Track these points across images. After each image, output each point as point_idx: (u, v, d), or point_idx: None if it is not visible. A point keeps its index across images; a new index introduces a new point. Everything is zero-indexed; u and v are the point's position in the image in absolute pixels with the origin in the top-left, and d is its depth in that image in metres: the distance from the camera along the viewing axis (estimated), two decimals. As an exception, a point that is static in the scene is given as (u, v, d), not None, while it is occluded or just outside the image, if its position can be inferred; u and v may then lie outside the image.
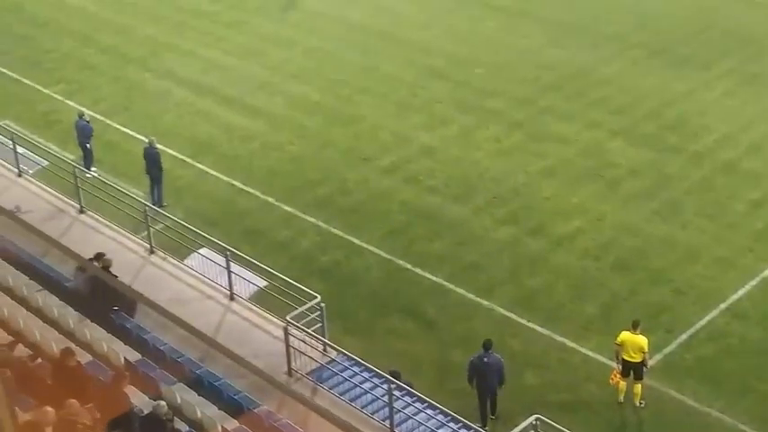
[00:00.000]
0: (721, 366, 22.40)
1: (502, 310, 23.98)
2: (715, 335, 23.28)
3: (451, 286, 24.91)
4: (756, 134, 30.60)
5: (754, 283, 24.71)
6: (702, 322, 23.56)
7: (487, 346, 20.66)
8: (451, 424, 17.68)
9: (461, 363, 21.42)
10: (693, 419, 21.10)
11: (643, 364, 21.10)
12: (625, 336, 21.09)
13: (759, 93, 32.99)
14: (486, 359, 20.61)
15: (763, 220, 26.85)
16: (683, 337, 23.13)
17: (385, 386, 17.79)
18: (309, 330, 18.72)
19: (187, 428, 16.91)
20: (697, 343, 23.05)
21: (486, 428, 20.44)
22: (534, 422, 16.84)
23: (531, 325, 23.64)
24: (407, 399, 17.98)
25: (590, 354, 22.65)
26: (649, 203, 27.72)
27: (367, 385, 18.42)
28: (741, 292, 24.43)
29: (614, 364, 21.33)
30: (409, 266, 25.66)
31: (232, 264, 20.39)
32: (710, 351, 22.83)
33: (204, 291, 20.79)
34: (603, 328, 23.02)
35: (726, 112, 31.97)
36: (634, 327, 21.10)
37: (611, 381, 21.35)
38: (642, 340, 20.97)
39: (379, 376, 18.27)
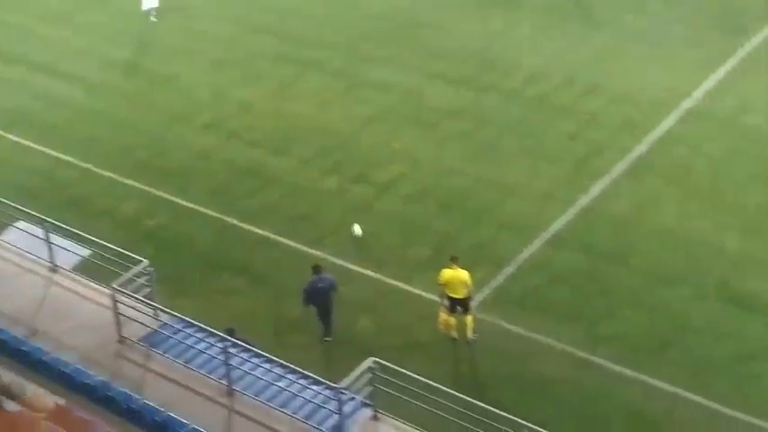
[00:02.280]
0: (548, 295, 23.18)
1: (333, 259, 24.13)
2: (540, 265, 24.04)
3: (281, 239, 24.93)
4: (567, 68, 31.50)
5: (572, 212, 25.60)
6: (526, 254, 24.30)
7: (317, 269, 21.35)
8: (290, 375, 17.70)
9: (296, 315, 21.50)
10: (526, 348, 21.73)
11: (469, 298, 21.61)
12: (447, 273, 21.45)
13: (566, 27, 33.88)
14: (320, 284, 21.24)
15: (578, 152, 27.78)
16: (510, 269, 23.80)
17: (220, 345, 17.68)
18: (138, 296, 18.38)
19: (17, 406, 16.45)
20: (523, 274, 23.75)
21: (330, 338, 21.80)
22: (372, 365, 17.02)
23: (363, 271, 23.90)
24: (244, 355, 17.91)
25: (423, 294, 23.03)
26: (468, 144, 28.29)
27: (202, 345, 18.26)
28: (561, 223, 25.29)
29: (446, 303, 21.77)
30: (236, 222, 25.56)
31: (52, 235, 19.78)
32: (537, 281, 23.56)
33: (24, 265, 20.12)
34: (433, 268, 23.41)
35: (536, 47, 32.78)
36: (453, 262, 21.50)
37: (440, 325, 21.78)
38: (464, 275, 21.36)
39: (213, 335, 18.13)
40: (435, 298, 22.42)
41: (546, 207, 25.80)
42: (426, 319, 22.28)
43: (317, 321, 21.79)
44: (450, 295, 21.48)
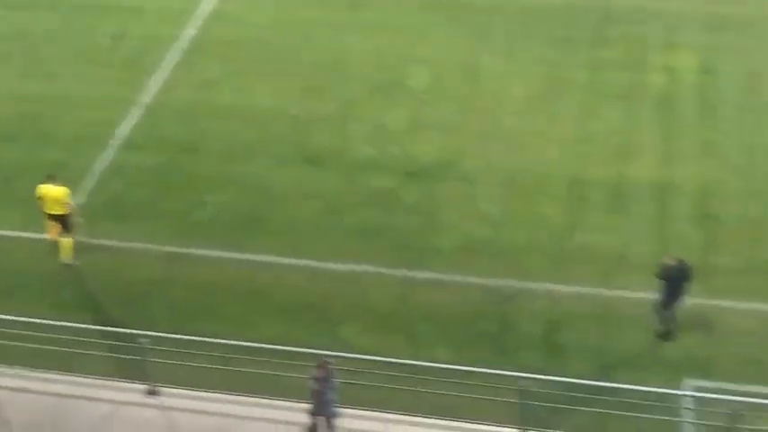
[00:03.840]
0: (131, 199, 22.86)
1: None
2: (117, 171, 23.60)
3: None
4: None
5: (136, 112, 25.26)
6: (102, 164, 23.76)
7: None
8: None
9: None
10: (123, 258, 21.39)
11: (68, 216, 20.91)
12: (43, 189, 20.75)
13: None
14: None
15: (127, 51, 27.30)
16: (88, 183, 23.20)
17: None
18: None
19: None
20: (102, 185, 23.23)
21: None
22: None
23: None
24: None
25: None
26: (17, 65, 26.92)
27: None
28: (128, 125, 24.90)
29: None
30: None
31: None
32: (117, 188, 23.15)
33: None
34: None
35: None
36: (51, 179, 20.78)
37: (48, 235, 21.13)
38: (61, 191, 20.70)
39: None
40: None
41: (110, 112, 25.22)
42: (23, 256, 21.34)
43: None
44: (47, 212, 20.81)
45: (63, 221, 21.00)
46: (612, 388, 15.46)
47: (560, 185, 22.59)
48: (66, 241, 21.15)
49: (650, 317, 18.55)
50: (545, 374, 16.10)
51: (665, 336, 18.37)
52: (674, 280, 17.96)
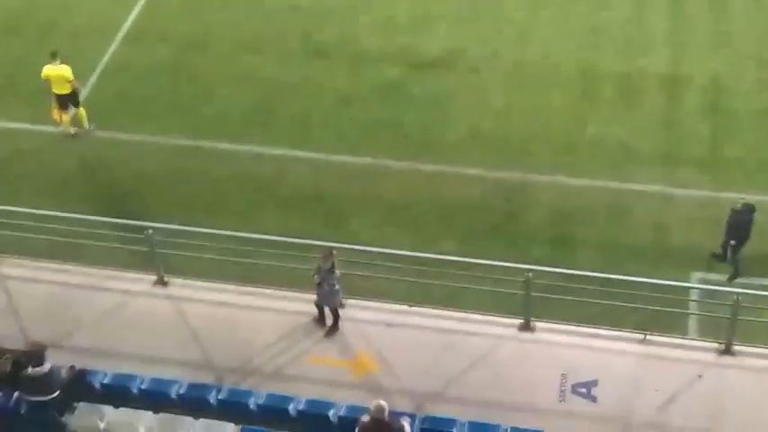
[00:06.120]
0: (139, 93, 22.73)
1: None
2: (123, 66, 23.46)
3: None
4: None
5: (140, 5, 24.99)
6: (107, 58, 23.59)
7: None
8: None
9: None
10: (132, 151, 21.37)
11: (76, 92, 21.15)
12: (46, 69, 20.83)
13: None
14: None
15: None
16: (93, 79, 23.05)
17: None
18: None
19: None
20: (108, 79, 23.10)
21: None
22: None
23: None
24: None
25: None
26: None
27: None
28: (132, 18, 24.65)
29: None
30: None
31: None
32: (123, 83, 23.02)
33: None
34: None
35: None
36: (53, 58, 20.78)
37: (54, 118, 21.22)
38: (64, 70, 20.78)
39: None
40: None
41: (113, 5, 24.97)
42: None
43: None
44: (55, 92, 20.88)
45: (73, 98, 21.13)
46: (620, 280, 15.51)
47: (569, 77, 22.36)
48: (81, 110, 21.41)
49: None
50: (552, 266, 16.15)
51: (733, 277, 18.19)
52: (744, 225, 17.76)
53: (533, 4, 24.37)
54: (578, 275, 16.00)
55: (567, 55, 22.90)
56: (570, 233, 19.00)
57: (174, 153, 21.18)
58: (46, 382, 13.73)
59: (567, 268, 16.14)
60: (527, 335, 16.08)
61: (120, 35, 24.15)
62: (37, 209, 17.13)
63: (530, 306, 15.90)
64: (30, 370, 13.67)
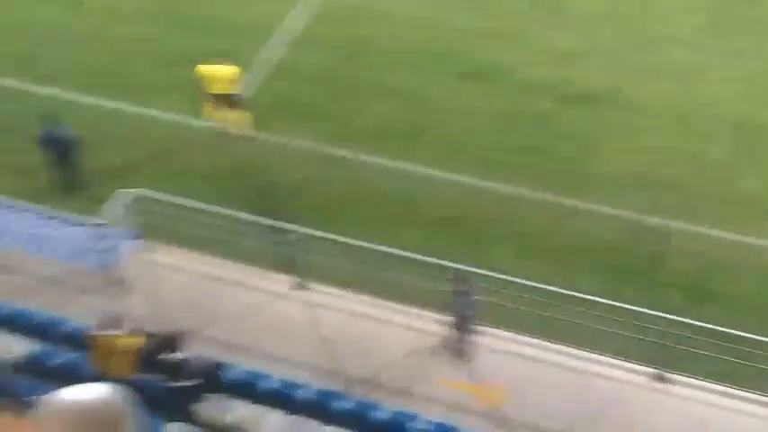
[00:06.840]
0: (296, 97, 23.18)
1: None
2: (284, 69, 23.94)
3: None
4: None
5: (307, 12, 25.48)
6: (269, 59, 24.09)
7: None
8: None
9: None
10: (281, 154, 21.70)
11: (234, 95, 21.36)
12: (210, 69, 21.13)
13: None
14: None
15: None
16: (252, 78, 23.55)
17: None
18: None
19: None
20: (269, 80, 23.58)
21: None
22: (138, 195, 16.91)
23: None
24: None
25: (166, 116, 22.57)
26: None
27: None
28: (299, 24, 25.13)
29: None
30: None
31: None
32: (282, 85, 23.49)
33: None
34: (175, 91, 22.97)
35: None
36: (217, 58, 21.22)
37: (209, 114, 21.63)
38: (225, 71, 21.09)
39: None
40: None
41: (281, 9, 25.53)
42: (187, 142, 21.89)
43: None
44: (213, 91, 21.17)
45: (227, 99, 21.30)
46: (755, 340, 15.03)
47: (727, 126, 21.88)
48: (239, 113, 21.51)
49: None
50: (688, 317, 15.77)
51: None
52: None
53: (694, 43, 23.90)
54: (720, 332, 15.58)
55: (727, 102, 22.43)
56: (712, 286, 18.53)
57: (324, 161, 21.44)
58: (180, 370, 14.09)
59: (705, 322, 15.75)
60: (660, 385, 15.78)
61: (283, 39, 24.62)
62: (189, 199, 17.57)
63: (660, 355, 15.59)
64: (166, 355, 14.05)
